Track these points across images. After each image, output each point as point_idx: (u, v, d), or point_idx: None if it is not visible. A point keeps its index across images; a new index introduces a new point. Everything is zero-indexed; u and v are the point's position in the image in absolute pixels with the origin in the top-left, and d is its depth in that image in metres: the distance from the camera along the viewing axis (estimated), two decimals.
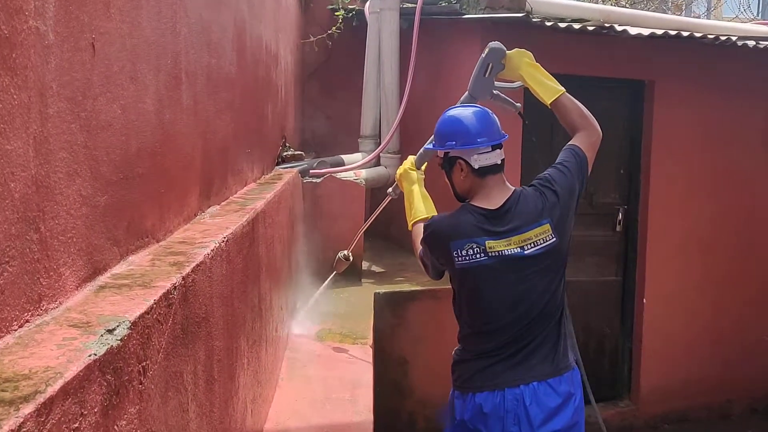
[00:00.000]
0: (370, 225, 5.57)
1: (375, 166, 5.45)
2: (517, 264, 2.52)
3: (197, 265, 1.61)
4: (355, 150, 5.58)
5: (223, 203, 2.73)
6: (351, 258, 3.78)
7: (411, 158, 3.11)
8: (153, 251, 1.71)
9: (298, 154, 4.97)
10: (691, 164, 5.57)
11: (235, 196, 3.00)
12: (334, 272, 3.85)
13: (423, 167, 3.08)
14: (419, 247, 2.77)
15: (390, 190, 3.30)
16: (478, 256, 2.51)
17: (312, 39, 5.95)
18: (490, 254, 2.51)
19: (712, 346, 5.76)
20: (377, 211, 3.53)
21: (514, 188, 2.64)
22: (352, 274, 5.02)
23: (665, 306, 5.56)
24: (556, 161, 2.72)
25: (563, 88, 2.72)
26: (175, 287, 1.40)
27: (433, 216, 2.76)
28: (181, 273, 1.48)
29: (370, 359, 3.44)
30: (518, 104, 2.96)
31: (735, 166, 5.71)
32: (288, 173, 4.27)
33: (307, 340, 3.71)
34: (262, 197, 3.02)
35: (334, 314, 4.24)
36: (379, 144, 5.43)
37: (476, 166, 2.58)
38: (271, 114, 4.21)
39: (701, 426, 5.76)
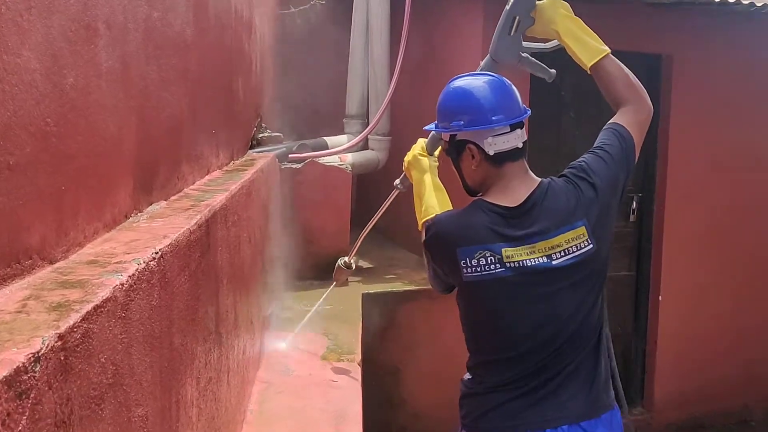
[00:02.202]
0: (359, 215, 5.06)
1: (362, 150, 4.93)
2: (542, 277, 1.98)
3: (97, 307, 1.04)
4: (340, 131, 5.04)
5: (172, 198, 2.15)
6: (354, 266, 3.18)
7: (421, 141, 2.53)
8: (35, 281, 1.14)
9: (276, 136, 4.41)
10: (712, 147, 5.04)
11: (191, 187, 2.42)
12: (333, 284, 3.25)
13: (437, 152, 2.49)
14: None
15: (397, 182, 2.72)
16: (492, 266, 1.96)
17: (293, 10, 5.36)
18: (507, 265, 1.96)
19: (731, 346, 5.28)
20: (383, 208, 2.96)
21: (540, 180, 2.09)
22: None
23: (682, 303, 5.06)
24: (595, 144, 2.16)
25: (608, 48, 2.16)
26: (37, 358, 0.83)
27: (437, 214, 2.19)
28: (59, 328, 0.91)
29: (359, 382, 2.89)
30: (552, 70, 2.39)
31: (762, 149, 5.19)
32: (263, 158, 3.70)
33: (283, 356, 3.15)
34: (226, 188, 2.45)
35: (314, 322, 3.68)
36: (367, 125, 4.95)
37: (491, 152, 2.03)
38: (243, 90, 3.62)
39: None
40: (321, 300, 3.33)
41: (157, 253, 1.41)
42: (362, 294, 4.21)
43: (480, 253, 1.97)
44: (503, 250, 1.97)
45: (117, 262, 1.29)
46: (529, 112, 2.10)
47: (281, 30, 5.32)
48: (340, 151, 4.68)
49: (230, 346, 2.26)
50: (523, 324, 2.00)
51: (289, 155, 4.39)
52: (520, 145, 2.06)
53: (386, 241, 5.46)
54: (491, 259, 1.97)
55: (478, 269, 1.97)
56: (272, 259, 3.63)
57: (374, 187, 5.49)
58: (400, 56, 4.52)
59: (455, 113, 2.09)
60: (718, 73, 5.01)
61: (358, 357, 3.17)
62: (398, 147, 5.08)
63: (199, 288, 1.79)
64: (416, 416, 4.46)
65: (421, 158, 2.46)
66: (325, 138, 4.86)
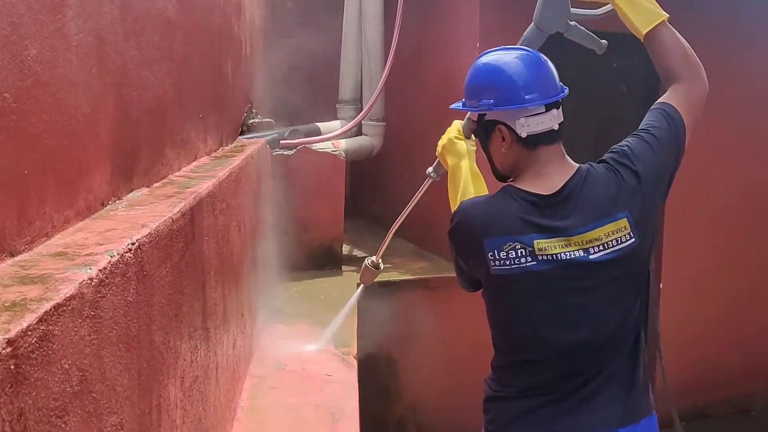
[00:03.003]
0: (353, 203, 4.94)
1: (356, 136, 4.79)
2: (578, 272, 1.82)
3: (58, 306, 0.91)
4: (333, 117, 4.89)
5: (155, 185, 2.02)
6: (382, 266, 2.94)
7: (457, 124, 2.28)
8: None
9: (267, 121, 4.27)
10: (716, 128, 4.89)
11: (177, 174, 2.29)
12: (361, 286, 3.03)
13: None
14: None
15: (430, 169, 2.47)
16: (522, 259, 1.80)
17: None
18: (540, 258, 1.80)
19: (733, 335, 5.17)
20: (415, 199, 2.65)
21: (577, 165, 1.91)
22: (330, 260, 4.37)
23: (684, 292, 4.93)
24: (640, 126, 1.97)
25: (665, 13, 1.95)
26: None
27: (462, 201, 2.00)
28: (9, 331, 0.79)
29: (355, 376, 2.76)
30: (603, 41, 2.19)
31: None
32: (253, 144, 3.57)
33: (276, 349, 3.02)
34: (213, 175, 2.31)
35: (308, 313, 3.56)
36: (361, 110, 4.79)
37: (523, 134, 1.86)
38: (233, 73, 3.48)
39: (720, 423, 5.19)
40: (354, 297, 3.13)
41: (133, 243, 1.28)
42: (357, 284, 4.07)
43: (509, 245, 1.80)
44: (535, 241, 1.80)
45: (88, 255, 1.16)
46: (567, 91, 1.93)
47: (271, 13, 5.17)
48: (333, 137, 4.54)
49: (219, 341, 2.14)
50: (555, 323, 1.84)
51: (281, 141, 4.25)
52: (556, 127, 1.88)
53: (381, 229, 5.31)
54: (522, 252, 1.80)
55: (507, 262, 1.80)
56: (264, 249, 3.50)
57: (368, 175, 5.37)
58: (394, 39, 4.39)
59: (484, 90, 1.91)
60: (723, 50, 4.86)
61: (354, 350, 3.05)
62: (393, 132, 4.96)
63: (183, 281, 1.66)
64: (413, 409, 4.35)
65: (457, 142, 2.22)
66: (317, 124, 4.72)
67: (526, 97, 1.85)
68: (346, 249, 4.64)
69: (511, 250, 1.80)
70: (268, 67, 5.06)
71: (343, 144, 4.56)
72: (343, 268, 4.40)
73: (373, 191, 5.43)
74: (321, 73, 5.23)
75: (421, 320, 4.26)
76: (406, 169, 4.97)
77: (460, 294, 4.35)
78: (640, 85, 4.84)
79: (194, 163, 2.57)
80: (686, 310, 4.96)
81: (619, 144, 1.94)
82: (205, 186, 2.04)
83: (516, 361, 1.94)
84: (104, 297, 1.10)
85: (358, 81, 4.89)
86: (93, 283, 1.05)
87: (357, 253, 4.82)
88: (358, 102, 4.91)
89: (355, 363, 2.91)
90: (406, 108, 4.95)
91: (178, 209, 1.65)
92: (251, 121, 4.15)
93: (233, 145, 3.51)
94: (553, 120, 1.87)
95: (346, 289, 4.03)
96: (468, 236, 1.90)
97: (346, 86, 4.92)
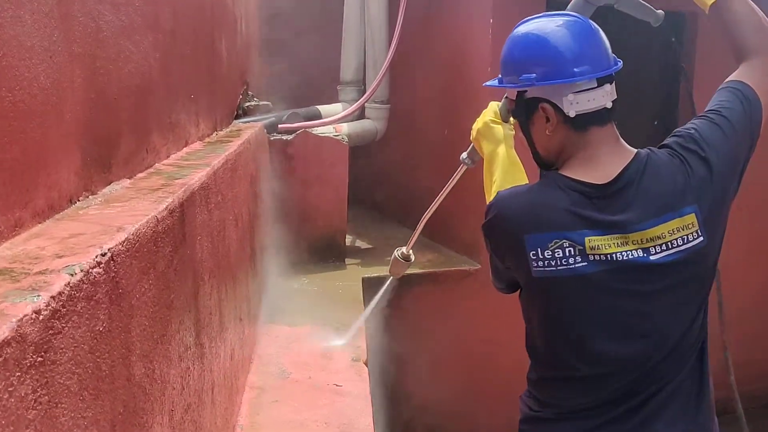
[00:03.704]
0: (354, 191, 4.64)
1: (359, 119, 4.49)
2: (636, 276, 1.54)
3: None
4: (335, 99, 4.59)
5: (140, 176, 1.73)
6: (413, 257, 2.70)
7: (494, 105, 2.01)
8: None
9: (264, 104, 3.99)
10: None
11: (165, 162, 2.00)
12: (391, 278, 2.82)
13: (512, 119, 1.96)
14: None
15: (464, 155, 2.19)
16: (571, 260, 1.53)
17: None
18: (591, 258, 1.53)
19: (759, 329, 4.90)
20: (448, 188, 2.38)
21: (635, 150, 1.63)
22: (334, 253, 4.09)
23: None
24: (708, 107, 1.70)
25: None
26: None
27: (499, 192, 1.72)
28: None
29: (367, 387, 2.48)
30: (660, 11, 1.92)
31: None
32: (250, 128, 3.28)
33: (277, 355, 2.74)
34: (207, 163, 2.03)
35: (312, 311, 3.28)
36: (364, 92, 4.51)
37: (572, 113, 1.58)
38: (227, 52, 3.19)
39: (744, 419, 4.93)
40: (383, 289, 2.97)
41: (104, 254, 0.99)
42: (363, 278, 3.80)
43: (556, 242, 1.54)
44: (587, 239, 1.53)
45: (40, 273, 0.87)
46: (621, 64, 1.66)
47: None
48: (335, 121, 4.24)
49: (215, 355, 1.85)
50: (609, 334, 1.58)
51: (279, 125, 3.96)
52: (610, 105, 1.60)
53: (384, 218, 5.05)
54: (570, 251, 1.53)
55: (553, 262, 1.54)
56: (263, 242, 3.21)
57: (372, 161, 5.07)
58: (400, 15, 4.09)
59: (525, 64, 1.63)
60: None
61: (365, 355, 2.76)
62: (398, 116, 4.67)
63: (171, 293, 1.37)
64: (422, 409, 4.09)
65: (493, 126, 1.96)
66: (317, 107, 4.42)
67: (575, 70, 1.57)
68: (348, 240, 4.36)
69: (557, 248, 1.53)
70: (266, 47, 4.76)
71: (345, 128, 4.27)
72: (347, 260, 4.12)
73: (373, 178, 5.14)
74: (321, 53, 4.93)
75: (431, 316, 4.01)
76: (411, 155, 4.68)
77: (471, 288, 4.12)
78: (656, 71, 4.58)
79: (185, 150, 2.29)
80: (710, 303, 4.70)
81: (684, 127, 1.66)
82: (197, 176, 1.75)
83: (561, 376, 1.67)
84: (60, 333, 0.81)
85: (360, 61, 4.59)
86: (41, 318, 0.76)
87: (360, 244, 4.55)
88: (360, 83, 4.61)
89: (366, 371, 2.63)
90: (413, 90, 4.65)
91: (164, 206, 1.36)
92: (247, 104, 3.87)
93: (228, 129, 3.22)
94: (606, 97, 1.59)
95: (351, 284, 3.77)
96: (506, 232, 1.62)
97: (348, 67, 4.62)
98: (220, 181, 2.09)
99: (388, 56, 4.18)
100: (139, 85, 1.75)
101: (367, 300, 3.60)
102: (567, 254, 1.53)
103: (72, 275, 0.87)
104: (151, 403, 1.20)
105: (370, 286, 3.66)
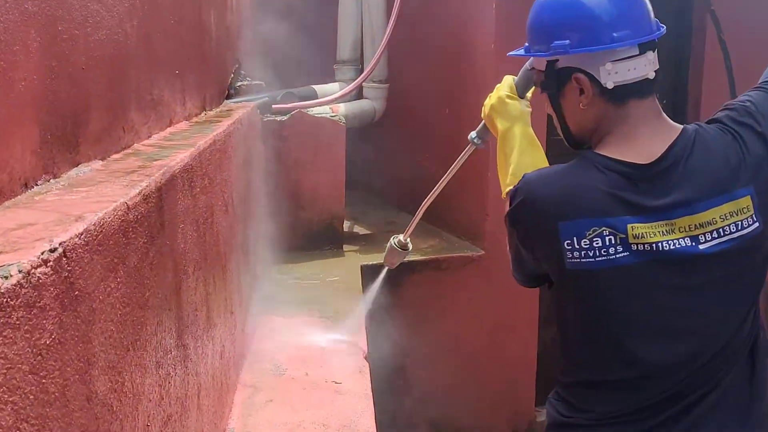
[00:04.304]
0: (350, 174, 4.46)
1: (356, 99, 4.30)
2: (684, 267, 1.39)
3: None
4: (331, 79, 4.39)
5: (115, 156, 1.54)
6: (410, 246, 2.55)
7: (509, 79, 1.83)
8: None
9: (257, 84, 3.78)
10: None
11: (145, 143, 1.82)
12: (386, 268, 2.70)
13: (529, 94, 1.83)
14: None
15: (473, 134, 2.01)
16: (611, 249, 1.37)
17: None
18: (633, 247, 1.37)
19: None
20: (453, 170, 2.18)
21: (682, 126, 1.48)
22: (331, 240, 3.91)
23: None
24: (764, 77, 1.55)
25: None
26: None
27: (525, 174, 1.55)
28: None
29: (368, 384, 2.31)
30: None
31: None
32: (241, 108, 3.09)
33: (272, 350, 2.57)
34: (193, 143, 1.84)
35: (308, 301, 3.11)
36: (361, 71, 4.30)
37: (610, 84, 1.43)
38: (217, 25, 2.99)
39: None
40: (378, 280, 2.86)
41: (53, 249, 0.81)
42: (361, 266, 3.63)
43: (594, 230, 1.39)
44: (630, 226, 1.37)
45: None
46: (664, 29, 1.49)
47: None
48: (332, 101, 4.06)
49: (202, 356, 1.68)
50: (651, 333, 1.43)
51: (273, 106, 3.78)
52: (652, 75, 1.45)
53: (384, 203, 4.87)
54: (611, 240, 1.38)
55: (591, 253, 1.38)
56: (256, 229, 3.03)
57: (370, 143, 4.88)
58: None
59: (558, 30, 1.47)
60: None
61: (365, 349, 2.59)
62: (397, 96, 4.47)
63: (146, 290, 1.19)
64: (424, 403, 3.93)
65: (509, 102, 1.77)
66: (313, 86, 4.22)
67: (614, 35, 1.41)
68: (346, 226, 4.18)
69: (596, 237, 1.37)
70: (259, 24, 4.56)
71: (342, 108, 4.08)
72: (345, 247, 3.94)
73: (371, 160, 4.96)
74: (316, 30, 4.73)
75: (432, 305, 3.84)
76: (411, 136, 4.50)
77: (474, 275, 3.93)
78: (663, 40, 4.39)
79: (169, 130, 2.10)
80: None
81: (737, 99, 1.50)
82: (180, 157, 1.57)
83: (597, 380, 1.51)
84: None
85: (358, 38, 4.39)
86: None
87: (358, 230, 4.37)
88: (358, 62, 4.41)
89: (367, 366, 2.46)
90: (413, 68, 4.45)
91: (137, 190, 1.17)
92: (239, 83, 3.67)
93: (218, 109, 3.03)
94: (648, 66, 1.44)
95: (349, 272, 3.59)
96: (537, 219, 1.46)
97: (345, 45, 4.42)
98: (207, 163, 1.91)
99: (387, 32, 3.98)
100: (113, 55, 1.56)
101: (366, 289, 3.43)
102: (607, 243, 1.37)
103: (5, 278, 0.69)
104: (120, 421, 1.02)
105: (370, 274, 3.49)
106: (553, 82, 1.51)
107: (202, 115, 2.67)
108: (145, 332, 1.18)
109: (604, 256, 1.38)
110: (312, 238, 3.84)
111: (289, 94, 3.93)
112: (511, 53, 1.68)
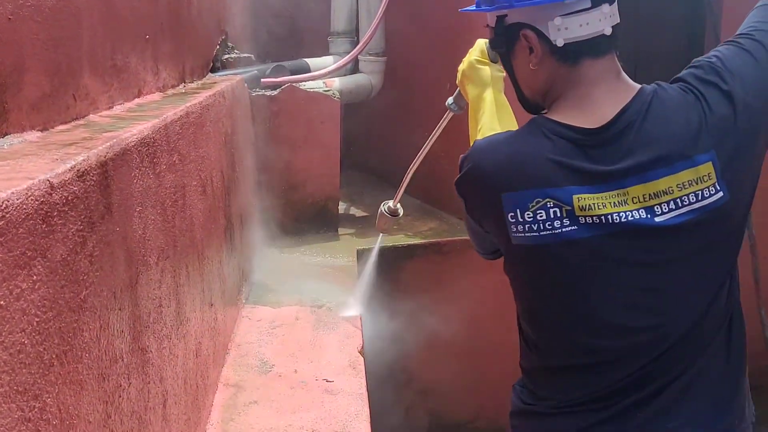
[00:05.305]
0: (347, 155, 4.24)
1: (352, 74, 4.07)
2: (641, 243, 1.24)
3: None
4: (325, 52, 4.15)
5: (60, 127, 1.32)
6: (401, 211, 2.53)
7: (481, 43, 1.72)
8: None
9: (246, 57, 3.55)
10: None
11: (105, 113, 1.59)
12: (381, 235, 2.72)
13: None
14: None
15: (450, 100, 1.94)
16: (557, 222, 1.23)
17: None
18: (582, 220, 1.23)
19: None
20: (434, 136, 2.14)
21: (639, 86, 1.30)
22: (325, 222, 3.70)
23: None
24: (739, 31, 1.35)
25: None
26: None
27: (476, 141, 1.41)
28: None
29: (363, 383, 2.09)
30: None
31: None
32: (226, 81, 2.85)
33: (258, 343, 2.35)
34: (158, 115, 1.61)
35: (300, 289, 2.90)
36: (357, 43, 4.06)
37: (559, 41, 1.27)
38: None
39: None
40: (377, 245, 2.82)
41: None
42: (357, 250, 3.41)
43: (538, 202, 1.25)
44: (576, 197, 1.23)
45: None
46: None
47: None
48: (325, 75, 3.82)
49: (168, 358, 1.46)
50: (611, 314, 1.28)
51: (263, 80, 3.54)
52: (609, 31, 1.28)
53: (381, 182, 4.64)
54: (555, 212, 1.24)
55: (535, 226, 1.25)
56: (243, 212, 2.81)
57: (367, 119, 4.65)
58: None
59: None
60: None
61: (359, 344, 2.37)
62: (395, 70, 4.23)
63: (82, 288, 0.97)
64: (424, 394, 3.74)
65: (480, 67, 1.68)
66: (306, 59, 3.99)
67: None
68: (341, 207, 3.97)
69: (540, 209, 1.24)
70: None
71: (336, 83, 3.85)
72: (340, 230, 3.72)
73: (367, 139, 4.73)
74: (309, 1, 4.49)
75: (432, 290, 3.63)
76: (410, 113, 4.26)
77: (477, 259, 3.71)
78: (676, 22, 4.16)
79: (137, 101, 1.87)
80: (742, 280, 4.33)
81: (705, 55, 1.32)
82: (136, 129, 1.34)
83: (555, 365, 1.38)
84: None
85: (353, 9, 4.15)
86: None
87: (354, 212, 4.16)
88: (353, 34, 4.18)
89: (362, 361, 2.25)
90: (411, 40, 4.21)
91: (68, 166, 0.95)
92: (226, 56, 3.44)
93: (201, 82, 2.80)
94: (603, 20, 1.27)
95: (345, 256, 3.39)
96: (481, 190, 1.33)
97: (340, 15, 4.18)
98: (178, 138, 1.68)
99: (383, 4, 3.73)
100: (57, 7, 1.32)
101: (360, 273, 3.23)
102: (552, 216, 1.24)
103: None
104: None
105: (365, 258, 3.28)
106: (502, 41, 1.37)
107: (181, 86, 2.44)
108: (80, 340, 0.95)
109: (549, 230, 1.23)
110: (305, 220, 3.63)
111: (279, 67, 3.70)
112: (462, 9, 1.55)
